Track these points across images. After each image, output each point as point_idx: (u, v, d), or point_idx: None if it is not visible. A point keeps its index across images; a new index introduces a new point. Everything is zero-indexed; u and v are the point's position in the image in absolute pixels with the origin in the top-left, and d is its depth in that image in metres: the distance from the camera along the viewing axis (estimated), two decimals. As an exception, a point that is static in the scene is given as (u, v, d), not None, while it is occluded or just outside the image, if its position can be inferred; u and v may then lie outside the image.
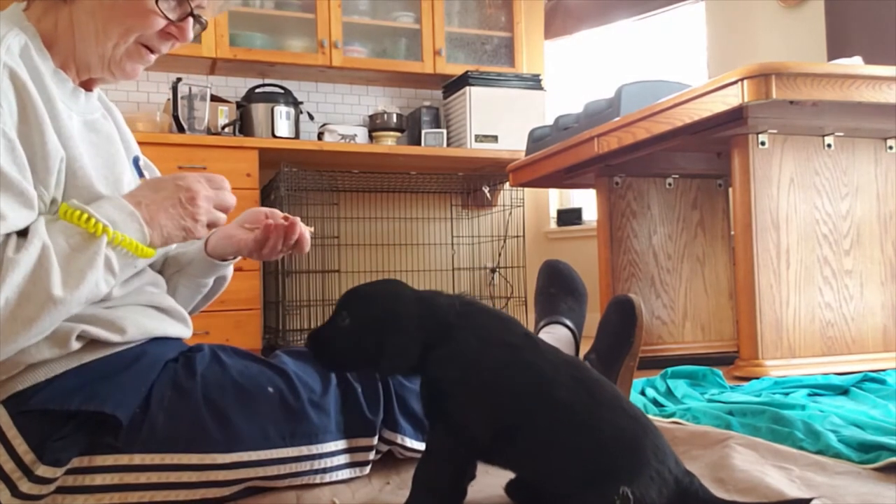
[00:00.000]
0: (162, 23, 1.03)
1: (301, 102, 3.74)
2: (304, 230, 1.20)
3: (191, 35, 1.08)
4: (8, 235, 0.87)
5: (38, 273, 0.85)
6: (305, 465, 1.04)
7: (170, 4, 1.03)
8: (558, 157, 2.80)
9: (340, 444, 1.08)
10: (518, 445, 0.89)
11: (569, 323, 1.51)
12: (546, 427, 0.88)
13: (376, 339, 0.91)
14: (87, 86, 1.10)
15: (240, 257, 1.25)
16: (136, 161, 1.18)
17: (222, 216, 1.04)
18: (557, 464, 0.87)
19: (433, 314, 0.92)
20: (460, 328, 0.91)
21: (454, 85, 3.97)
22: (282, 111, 3.58)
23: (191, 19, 1.06)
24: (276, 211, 1.22)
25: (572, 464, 0.86)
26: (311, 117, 3.85)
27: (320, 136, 3.82)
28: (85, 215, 0.90)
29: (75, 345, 0.95)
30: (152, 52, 1.07)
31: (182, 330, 1.14)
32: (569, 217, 4.24)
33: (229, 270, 1.29)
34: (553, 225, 4.39)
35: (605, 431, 0.88)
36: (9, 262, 0.84)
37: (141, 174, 1.17)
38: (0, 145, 0.87)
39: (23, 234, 0.88)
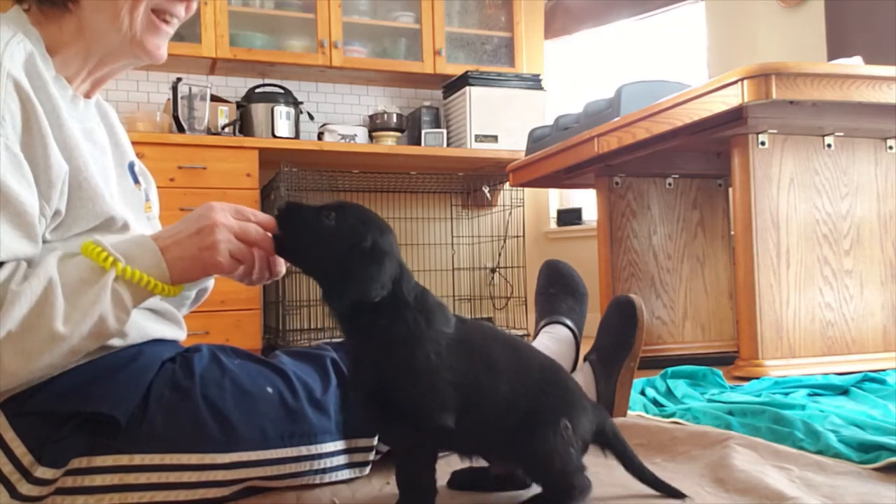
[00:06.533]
0: None
1: (301, 102, 3.75)
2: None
3: None
4: (16, 266, 0.86)
5: (41, 306, 0.84)
6: (305, 466, 1.04)
7: None
8: (558, 157, 2.80)
9: (340, 445, 1.08)
10: (471, 416, 0.91)
11: (569, 323, 1.51)
12: (489, 386, 0.93)
13: (353, 254, 0.88)
14: (87, 93, 1.08)
15: None
16: (131, 167, 1.16)
17: (247, 249, 0.96)
18: (504, 417, 0.92)
19: (402, 279, 0.92)
20: (410, 308, 0.91)
21: (454, 85, 3.97)
22: (282, 111, 3.58)
23: None
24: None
25: (516, 411, 0.92)
26: (311, 117, 3.85)
27: (320, 136, 3.82)
28: (98, 248, 0.89)
29: None
30: (167, 22, 1.03)
31: (176, 332, 1.14)
32: (569, 217, 4.24)
33: (210, 282, 1.24)
34: (553, 225, 4.38)
35: (535, 373, 0.96)
36: (13, 294, 0.83)
37: (136, 180, 1.16)
38: (4, 160, 0.86)
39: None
